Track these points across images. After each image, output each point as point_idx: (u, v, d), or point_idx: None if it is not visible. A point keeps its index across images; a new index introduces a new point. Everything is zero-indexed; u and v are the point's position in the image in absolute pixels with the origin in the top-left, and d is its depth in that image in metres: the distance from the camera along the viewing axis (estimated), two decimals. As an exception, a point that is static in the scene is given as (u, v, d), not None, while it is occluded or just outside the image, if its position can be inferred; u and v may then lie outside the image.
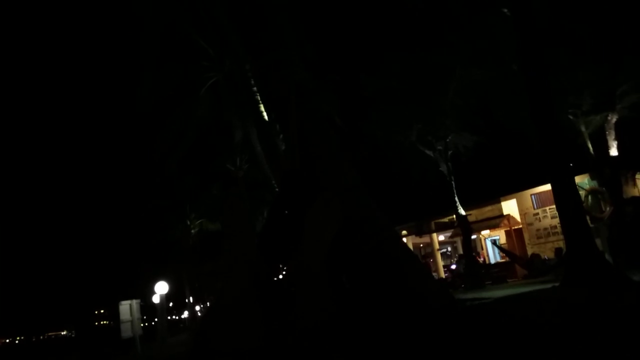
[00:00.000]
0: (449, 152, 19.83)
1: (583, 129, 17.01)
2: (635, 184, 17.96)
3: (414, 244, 26.44)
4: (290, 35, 7.43)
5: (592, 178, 17.46)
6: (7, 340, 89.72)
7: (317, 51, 12.35)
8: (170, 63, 17.17)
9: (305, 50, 9.88)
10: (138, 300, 15.48)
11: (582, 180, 17.33)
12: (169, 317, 50.08)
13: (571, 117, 16.88)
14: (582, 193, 14.96)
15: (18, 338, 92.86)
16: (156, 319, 22.39)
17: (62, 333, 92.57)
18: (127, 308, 14.98)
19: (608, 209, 16.13)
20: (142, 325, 31.89)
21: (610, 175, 16.58)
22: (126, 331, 14.89)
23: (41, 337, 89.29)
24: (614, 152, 16.84)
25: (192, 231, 29.46)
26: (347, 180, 7.09)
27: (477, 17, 13.75)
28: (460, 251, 23.41)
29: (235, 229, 8.47)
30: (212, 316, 8.04)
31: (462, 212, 20.22)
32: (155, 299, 17.41)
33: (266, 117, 12.78)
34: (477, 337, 4.82)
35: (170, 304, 45.59)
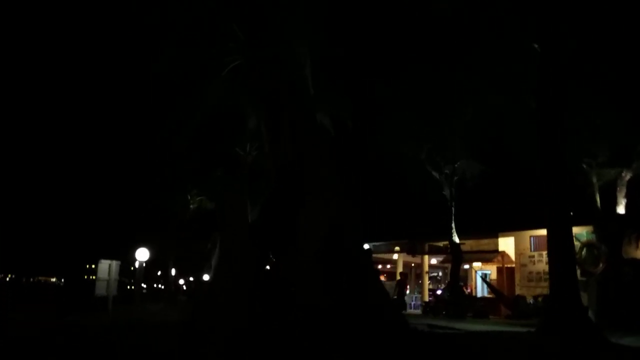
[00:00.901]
0: (455, 178, 19.61)
1: (594, 180, 16.65)
2: (637, 246, 17.55)
3: (405, 262, 26.20)
4: (295, 33, 7.33)
5: (594, 231, 17.10)
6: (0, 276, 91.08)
7: (337, 53, 12.21)
8: (196, 37, 17.11)
9: (322, 49, 9.75)
10: (118, 262, 15.51)
11: (581, 232, 16.99)
12: (154, 285, 50.33)
13: (585, 166, 16.54)
14: (577, 244, 14.65)
15: (9, 276, 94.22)
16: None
17: (52, 280, 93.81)
18: (106, 267, 15.03)
19: (602, 265, 15.79)
20: (128, 287, 32.14)
21: (615, 231, 16.23)
22: (100, 289, 14.95)
23: (31, 280, 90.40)
24: (621, 210, 16.47)
25: (191, 206, 29.56)
26: (333, 186, 7.02)
27: (504, 43, 13.49)
28: (449, 278, 23.15)
29: (231, 217, 8.45)
30: (205, 300, 8.05)
31: (457, 239, 20.00)
32: (137, 265, 17.47)
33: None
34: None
35: (159, 273, 45.81)
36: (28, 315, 15.26)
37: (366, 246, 21.64)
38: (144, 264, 15.57)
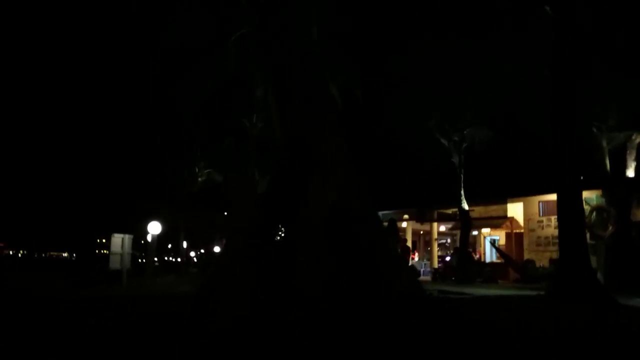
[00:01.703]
0: (464, 145, 19.54)
1: (604, 144, 16.56)
2: (646, 209, 17.56)
3: (414, 230, 26.41)
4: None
5: (603, 195, 17.10)
6: (11, 252, 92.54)
7: (348, 22, 12.01)
8: (203, 7, 16.88)
9: (330, 18, 9.57)
10: (131, 236, 15.75)
11: (590, 196, 16.99)
12: (165, 258, 51.10)
13: (595, 130, 16.42)
14: (587, 208, 14.67)
15: (21, 251, 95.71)
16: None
17: (64, 254, 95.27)
18: (119, 241, 15.26)
19: (611, 228, 15.85)
20: (139, 260, 32.65)
21: (623, 195, 16.22)
22: (114, 263, 15.23)
23: (43, 255, 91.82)
24: (630, 173, 16.43)
25: (199, 179, 29.71)
26: (341, 156, 7.02)
27: (516, 10, 13.23)
28: (458, 244, 23.34)
29: (239, 189, 8.53)
30: (215, 275, 8.16)
31: (466, 206, 20.06)
32: (149, 238, 17.70)
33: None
34: (432, 327, 4.82)
35: (169, 246, 46.41)
36: (43, 288, 15.60)
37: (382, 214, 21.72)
38: (157, 237, 15.79)
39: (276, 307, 5.87)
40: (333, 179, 6.98)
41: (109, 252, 14.75)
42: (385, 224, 13.53)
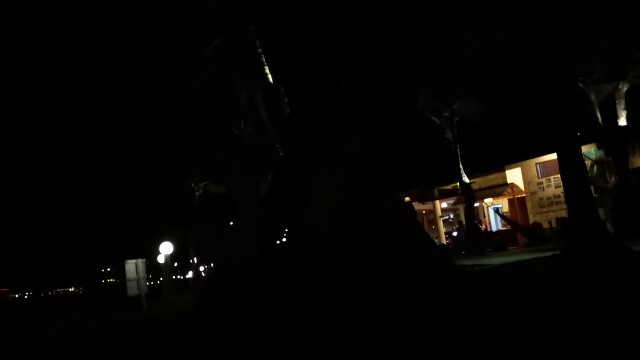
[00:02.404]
0: (456, 120, 19.65)
1: (593, 97, 16.71)
2: (642, 156, 17.78)
3: (417, 211, 26.49)
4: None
5: (599, 148, 17.29)
6: (17, 295, 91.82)
7: (326, 12, 12.02)
8: (176, 23, 16.86)
9: (314, 11, 9.60)
10: (144, 260, 15.76)
11: (589, 150, 17.16)
12: (173, 277, 50.97)
13: (581, 85, 16.57)
14: (587, 163, 14.81)
15: (27, 293, 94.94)
16: (161, 279, 22.81)
17: (70, 290, 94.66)
18: (133, 267, 15.28)
19: (613, 179, 16.03)
20: (147, 284, 32.58)
21: (618, 145, 16.40)
22: (132, 289, 15.24)
23: (50, 293, 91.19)
24: (623, 122, 16.60)
25: (197, 193, 29.62)
26: (352, 147, 7.06)
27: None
28: (463, 219, 23.50)
29: (242, 195, 8.51)
30: (218, 278, 8.17)
31: (466, 180, 20.19)
32: (161, 259, 17.69)
33: (271, 80, 12.62)
34: (476, 304, 4.88)
35: (175, 265, 46.29)
36: (65, 325, 15.54)
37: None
38: (170, 257, 15.77)
39: (278, 308, 5.89)
40: (339, 177, 7.02)
41: (126, 279, 14.76)
42: None
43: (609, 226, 13.28)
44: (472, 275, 7.05)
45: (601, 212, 13.06)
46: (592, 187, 14.01)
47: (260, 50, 12.19)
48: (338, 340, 4.72)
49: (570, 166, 11.23)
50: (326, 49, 11.45)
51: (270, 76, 12.23)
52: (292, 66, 6.39)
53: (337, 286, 6.00)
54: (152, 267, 34.86)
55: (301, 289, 6.14)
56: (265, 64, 12.24)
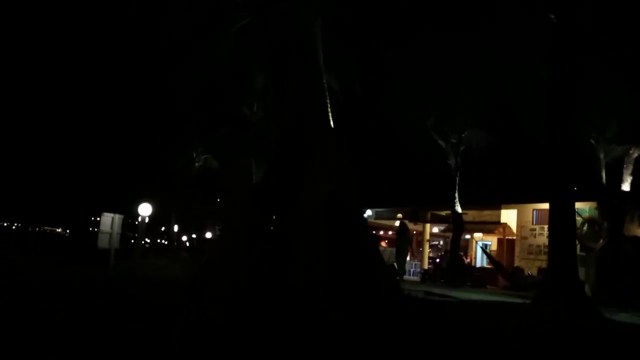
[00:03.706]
0: (462, 147, 19.47)
1: (601, 156, 16.49)
2: (639, 224, 17.51)
3: (410, 230, 26.35)
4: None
5: (597, 207, 17.05)
6: (5, 224, 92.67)
7: (349, 14, 11.89)
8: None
9: (331, 9, 9.46)
10: (121, 216, 15.68)
11: (583, 207, 16.95)
12: (158, 240, 51.09)
13: (592, 141, 16.35)
14: (579, 220, 14.63)
15: (15, 224, 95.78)
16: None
17: (57, 230, 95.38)
18: (109, 220, 15.20)
19: (602, 241, 15.81)
20: (132, 241, 32.64)
21: (616, 208, 16.17)
22: (103, 242, 15.16)
23: (37, 229, 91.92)
24: (626, 187, 16.37)
25: (196, 164, 29.64)
26: (334, 146, 6.96)
27: (516, 10, 13.09)
28: (449, 247, 23.32)
29: (235, 178, 8.45)
30: (209, 262, 8.11)
31: (459, 209, 20.02)
32: (139, 219, 17.67)
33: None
34: (410, 326, 4.79)
35: (162, 229, 46.41)
36: (29, 263, 15.51)
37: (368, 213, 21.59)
38: (147, 219, 15.72)
39: (268, 299, 5.82)
40: (328, 169, 6.93)
41: (99, 230, 14.70)
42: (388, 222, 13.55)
43: (587, 287, 13.09)
44: (423, 301, 6.94)
45: (581, 270, 12.88)
46: (579, 245, 13.83)
47: (269, 37, 12.02)
48: (327, 332, 4.68)
49: (560, 218, 11.08)
50: (340, 47, 11.34)
51: (274, 64, 12.08)
52: (284, 56, 6.29)
53: (327, 277, 5.95)
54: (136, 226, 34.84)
55: (293, 278, 6.07)
56: (273, 51, 12.08)
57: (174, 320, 5.60)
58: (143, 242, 22.67)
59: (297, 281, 5.95)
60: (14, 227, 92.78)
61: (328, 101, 6.77)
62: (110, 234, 15.04)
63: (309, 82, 6.49)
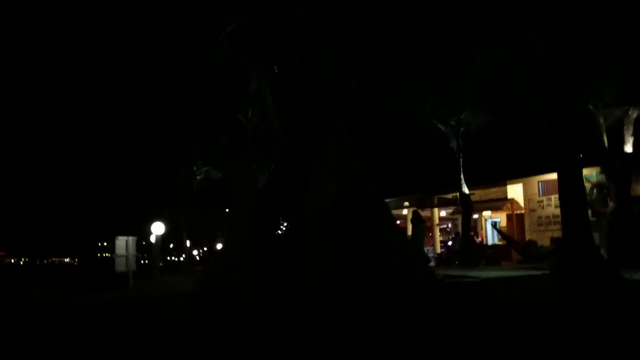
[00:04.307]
0: (462, 129, 19.55)
1: (601, 120, 16.58)
2: (646, 184, 17.61)
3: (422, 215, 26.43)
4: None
5: (602, 172, 17.15)
6: (12, 260, 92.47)
7: (340, 9, 11.93)
8: (191, 4, 16.75)
9: (316, 3, 9.54)
10: (135, 238, 15.76)
11: (590, 173, 17.02)
12: (168, 258, 51.14)
13: (591, 107, 16.44)
14: (587, 185, 14.69)
15: (23, 259, 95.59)
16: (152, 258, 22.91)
17: (65, 260, 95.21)
18: (123, 243, 15.29)
19: (612, 204, 15.91)
20: (142, 262, 32.71)
21: (621, 170, 16.27)
22: (120, 265, 15.25)
23: (45, 262, 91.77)
24: (629, 148, 16.47)
25: (198, 177, 29.65)
26: (340, 143, 7.02)
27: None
28: (460, 229, 23.42)
29: (239, 187, 8.50)
30: (216, 268, 8.15)
31: (466, 190, 20.11)
32: (152, 239, 17.73)
33: (276, 70, 12.53)
34: (447, 312, 4.85)
35: (171, 245, 46.47)
36: (48, 295, 15.55)
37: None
38: (161, 238, 15.82)
39: (275, 301, 5.87)
40: (334, 169, 6.98)
41: (115, 254, 14.78)
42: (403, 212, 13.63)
43: (602, 251, 13.18)
44: (450, 285, 7.01)
45: (596, 236, 12.96)
46: (590, 210, 13.92)
47: (270, 39, 12.10)
48: (330, 332, 4.72)
49: (569, 187, 11.15)
50: (335, 44, 11.39)
51: (276, 66, 12.15)
52: (289, 57, 6.35)
53: (334, 278, 5.99)
54: (147, 246, 34.93)
55: (299, 279, 6.12)
56: (274, 53, 12.16)
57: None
58: (159, 261, 22.66)
59: (299, 283, 5.99)
60: (21, 263, 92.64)
61: (335, 100, 6.84)
62: (127, 257, 15.13)
63: (315, 81, 6.56)
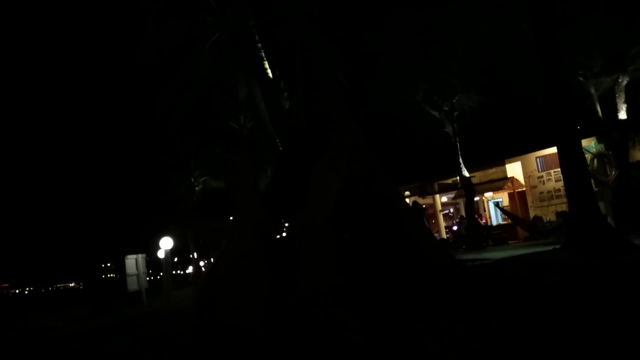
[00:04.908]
0: (455, 113, 19.61)
1: (592, 91, 16.70)
2: (642, 149, 17.76)
3: (420, 203, 26.53)
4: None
5: (599, 141, 17.28)
6: (17, 291, 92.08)
7: (321, 6, 11.96)
8: (173, 18, 16.75)
9: (309, 4, 9.56)
10: (143, 255, 15.75)
11: (589, 144, 17.14)
12: (174, 272, 51.08)
13: (581, 78, 16.56)
14: (587, 156, 14.81)
15: (27, 289, 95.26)
16: (161, 273, 22.85)
17: (70, 285, 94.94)
18: (133, 262, 15.27)
19: (613, 172, 16.03)
20: (148, 279, 32.65)
21: (617, 138, 16.39)
22: (132, 284, 15.23)
23: (50, 289, 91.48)
24: (622, 115, 16.59)
25: (196, 188, 29.61)
26: (352, 139, 7.04)
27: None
28: (463, 213, 23.51)
29: (240, 189, 8.49)
30: (217, 273, 8.14)
31: (466, 173, 20.18)
32: (161, 254, 17.71)
33: (270, 75, 12.55)
34: (477, 296, 4.87)
35: (175, 259, 46.38)
36: (62, 321, 15.53)
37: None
38: (170, 252, 15.78)
39: (278, 302, 5.87)
40: (337, 169, 6.99)
41: (126, 274, 14.77)
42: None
43: (609, 219, 13.28)
44: (472, 268, 7.05)
45: (601, 205, 13.06)
46: (592, 181, 14.02)
47: (259, 44, 12.12)
48: (337, 335, 4.71)
49: (570, 160, 11.22)
50: (322, 41, 11.40)
51: (269, 71, 12.18)
52: (291, 59, 6.35)
53: (338, 279, 5.99)
54: (152, 262, 34.90)
55: (302, 282, 6.12)
56: (264, 58, 12.18)
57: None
58: (167, 276, 22.60)
59: (303, 286, 5.99)
60: (26, 292, 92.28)
61: (340, 98, 6.86)
62: (137, 275, 15.12)
63: (317, 81, 6.57)
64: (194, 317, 6.55)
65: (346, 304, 5.53)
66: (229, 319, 5.73)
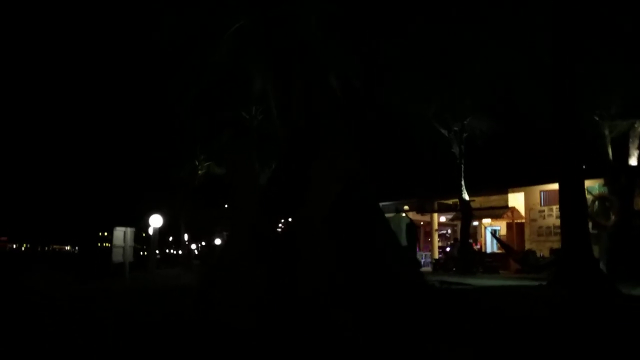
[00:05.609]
0: (465, 135, 19.44)
1: (606, 132, 16.44)
2: (649, 198, 17.46)
3: (414, 221, 26.35)
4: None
5: (605, 184, 17.01)
6: (15, 246, 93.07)
7: (340, 7, 11.88)
8: (195, 3, 16.72)
9: (325, 3, 9.48)
10: (133, 229, 15.75)
11: (593, 185, 16.90)
12: (167, 251, 51.20)
13: (597, 118, 16.31)
14: (589, 197, 14.57)
15: (24, 245, 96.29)
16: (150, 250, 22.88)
17: (66, 248, 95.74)
18: (121, 234, 15.28)
19: (614, 218, 15.77)
20: (142, 253, 32.72)
21: (625, 184, 16.13)
22: (117, 256, 15.25)
23: (46, 248, 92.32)
24: (633, 161, 16.32)
25: (200, 172, 29.64)
26: (341, 144, 6.97)
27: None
28: (459, 235, 23.32)
29: (240, 189, 8.46)
30: (216, 269, 8.13)
31: (466, 196, 20.01)
32: (151, 231, 17.76)
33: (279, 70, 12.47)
34: (430, 319, 4.79)
35: (170, 239, 46.52)
36: (47, 282, 15.56)
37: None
38: (158, 230, 15.82)
39: (276, 300, 5.83)
40: (336, 169, 6.93)
41: (111, 245, 14.81)
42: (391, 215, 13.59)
43: (601, 265, 13.07)
44: (441, 291, 6.94)
45: (595, 249, 12.85)
46: (590, 223, 13.79)
47: (273, 38, 12.03)
48: (333, 333, 4.67)
49: (570, 197, 11.04)
50: (340, 44, 11.34)
51: (277, 67, 12.09)
52: (289, 58, 6.31)
53: (336, 278, 5.95)
54: (147, 238, 34.94)
55: (301, 282, 6.08)
56: (277, 52, 12.10)
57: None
58: (155, 253, 22.73)
59: (302, 283, 5.94)
60: (23, 249, 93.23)
61: (336, 99, 6.79)
62: (124, 248, 15.12)
63: (315, 81, 6.51)
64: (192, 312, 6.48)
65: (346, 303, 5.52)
66: (227, 319, 5.70)
